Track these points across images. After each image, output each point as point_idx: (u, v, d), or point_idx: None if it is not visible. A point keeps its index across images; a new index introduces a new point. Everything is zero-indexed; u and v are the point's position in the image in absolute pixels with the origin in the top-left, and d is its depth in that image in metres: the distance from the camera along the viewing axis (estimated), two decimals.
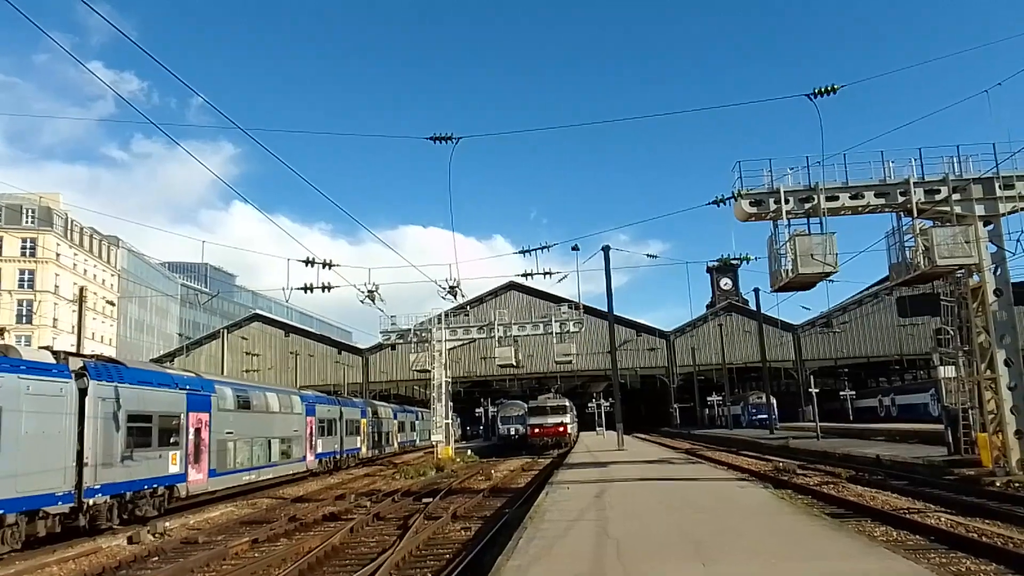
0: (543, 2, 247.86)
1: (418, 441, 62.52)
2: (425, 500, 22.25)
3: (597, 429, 66.36)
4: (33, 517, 15.24)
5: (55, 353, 17.33)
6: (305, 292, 27.67)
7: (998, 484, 19.23)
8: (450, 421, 45.22)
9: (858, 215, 22.85)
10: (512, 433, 57.85)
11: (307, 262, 24.22)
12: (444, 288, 30.63)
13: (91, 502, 16.89)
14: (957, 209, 21.54)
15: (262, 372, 73.96)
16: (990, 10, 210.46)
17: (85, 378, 17.10)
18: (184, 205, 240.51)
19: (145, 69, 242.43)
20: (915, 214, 21.98)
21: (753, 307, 65.47)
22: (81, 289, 38.03)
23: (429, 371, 44.16)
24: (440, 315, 44.68)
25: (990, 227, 21.52)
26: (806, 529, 11.87)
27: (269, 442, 29.05)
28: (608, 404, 62.53)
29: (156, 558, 14.91)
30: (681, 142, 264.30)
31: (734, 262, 28.35)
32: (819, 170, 22.16)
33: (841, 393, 68.51)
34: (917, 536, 13.08)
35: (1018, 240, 20.88)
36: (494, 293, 76.51)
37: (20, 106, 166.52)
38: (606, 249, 37.83)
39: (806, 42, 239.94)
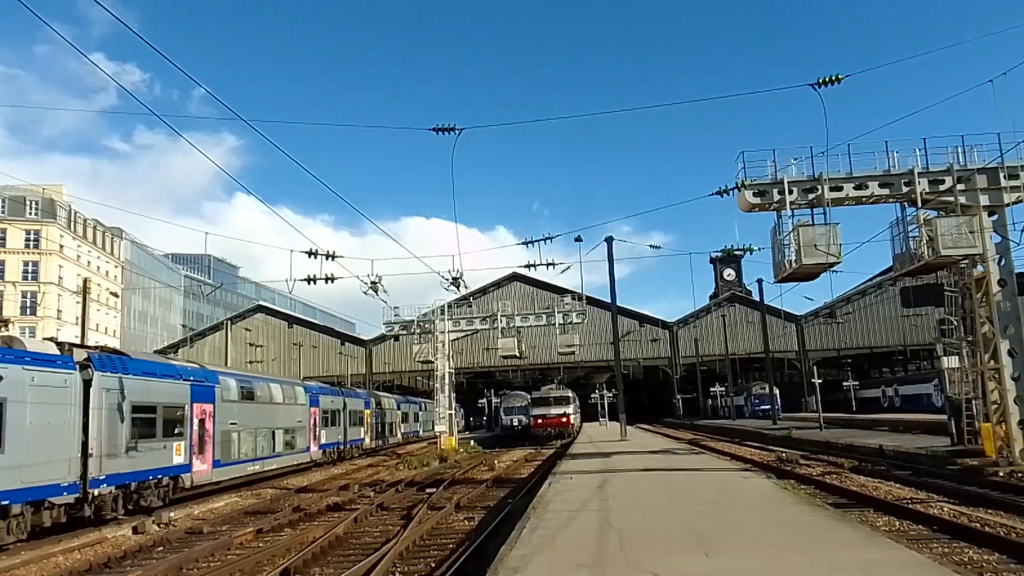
0: None
1: (421, 432, 62.68)
2: (428, 490, 22.32)
3: (600, 420, 66.41)
4: (38, 508, 15.31)
5: (59, 344, 17.39)
6: (308, 283, 27.61)
7: (1001, 474, 19.23)
8: (453, 412, 45.31)
9: (862, 205, 22.78)
10: (515, 424, 57.98)
11: (310, 253, 24.20)
12: (447, 279, 30.61)
13: (96, 492, 16.97)
14: (961, 199, 21.45)
15: (266, 363, 74.04)
16: (993, 0, 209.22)
17: (89, 369, 17.15)
18: (187, 197, 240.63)
19: (147, 61, 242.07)
20: (919, 204, 21.90)
21: (756, 298, 65.49)
22: (85, 280, 38.06)
23: (432, 362, 44.19)
24: (443, 306, 44.65)
25: (994, 217, 21.44)
26: (809, 520, 11.88)
27: (273, 433, 29.14)
28: (611, 395, 62.63)
29: (161, 548, 14.99)
30: (685, 133, 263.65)
31: (737, 253, 28.23)
32: (823, 160, 22.09)
33: (844, 384, 68.31)
34: (920, 526, 13.11)
35: (1022, 230, 20.82)
36: (497, 284, 76.54)
37: (22, 98, 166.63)
38: (609, 240, 37.84)
39: (810, 31, 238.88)
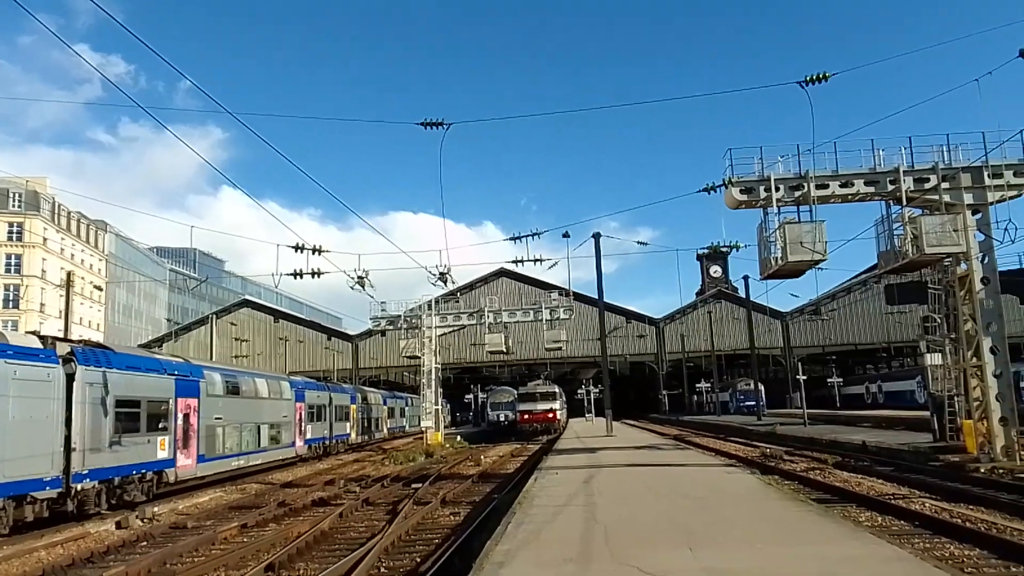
0: None
1: (408, 427, 62.60)
2: (414, 486, 22.29)
3: (586, 415, 66.60)
4: (21, 502, 15.19)
5: (42, 338, 17.23)
6: (295, 278, 27.60)
7: (983, 470, 19.43)
8: (440, 407, 45.29)
9: (848, 203, 22.89)
10: (502, 419, 58.05)
11: (297, 248, 24.15)
12: (434, 274, 30.63)
13: (79, 487, 16.84)
14: (946, 198, 21.60)
15: (251, 358, 73.74)
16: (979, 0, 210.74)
17: (73, 363, 17.01)
18: (171, 190, 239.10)
19: (132, 52, 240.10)
20: (904, 202, 22.04)
21: (742, 294, 65.78)
22: (68, 274, 37.69)
23: (419, 357, 44.14)
24: (430, 301, 44.61)
25: (978, 216, 21.60)
26: (792, 515, 11.96)
27: (258, 428, 29.01)
28: (597, 390, 62.82)
29: (145, 543, 14.89)
30: (672, 130, 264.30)
31: (724, 249, 28.41)
32: (810, 158, 22.17)
33: (828, 380, 69.03)
34: (902, 521, 13.21)
35: (1006, 229, 20.93)
36: (484, 280, 76.55)
37: (5, 89, 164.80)
38: (596, 236, 37.87)
39: (797, 29, 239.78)
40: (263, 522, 16.52)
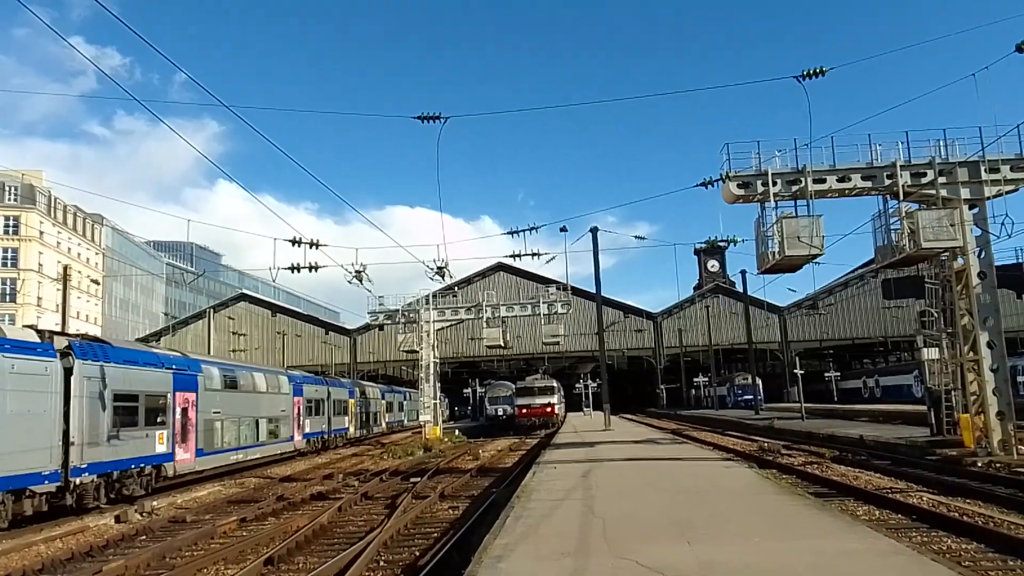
0: None
1: (406, 421, 62.66)
2: (413, 480, 22.32)
3: (584, 410, 66.63)
4: (19, 496, 15.20)
5: (40, 332, 17.20)
6: (292, 272, 27.55)
7: (980, 464, 19.50)
8: (438, 401, 45.32)
9: (845, 198, 22.90)
10: (500, 413, 58.06)
11: (294, 242, 24.12)
12: (432, 269, 30.63)
13: (78, 481, 16.86)
14: (943, 192, 21.62)
15: (249, 352, 73.68)
16: None
17: (70, 357, 17.01)
18: (167, 183, 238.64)
19: (127, 45, 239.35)
20: (901, 197, 22.05)
21: (740, 289, 65.81)
22: (65, 268, 37.67)
23: (417, 352, 44.16)
24: (428, 296, 44.62)
25: (975, 210, 21.62)
26: (790, 509, 11.99)
27: (256, 422, 29.03)
28: (595, 385, 62.74)
29: (144, 537, 14.91)
30: (670, 124, 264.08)
31: (721, 244, 28.42)
32: (807, 153, 22.14)
33: (826, 374, 69.13)
34: (899, 515, 13.27)
35: (1002, 223, 20.98)
36: (482, 274, 76.46)
37: (0, 81, 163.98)
38: (594, 231, 37.89)
39: (794, 23, 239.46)
40: (262, 516, 16.54)
